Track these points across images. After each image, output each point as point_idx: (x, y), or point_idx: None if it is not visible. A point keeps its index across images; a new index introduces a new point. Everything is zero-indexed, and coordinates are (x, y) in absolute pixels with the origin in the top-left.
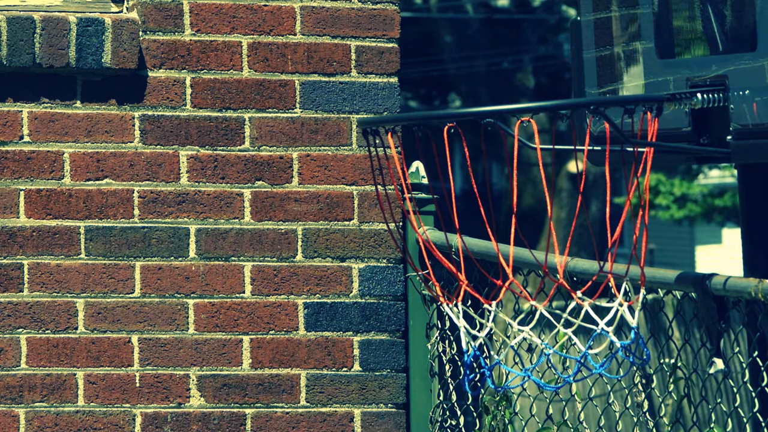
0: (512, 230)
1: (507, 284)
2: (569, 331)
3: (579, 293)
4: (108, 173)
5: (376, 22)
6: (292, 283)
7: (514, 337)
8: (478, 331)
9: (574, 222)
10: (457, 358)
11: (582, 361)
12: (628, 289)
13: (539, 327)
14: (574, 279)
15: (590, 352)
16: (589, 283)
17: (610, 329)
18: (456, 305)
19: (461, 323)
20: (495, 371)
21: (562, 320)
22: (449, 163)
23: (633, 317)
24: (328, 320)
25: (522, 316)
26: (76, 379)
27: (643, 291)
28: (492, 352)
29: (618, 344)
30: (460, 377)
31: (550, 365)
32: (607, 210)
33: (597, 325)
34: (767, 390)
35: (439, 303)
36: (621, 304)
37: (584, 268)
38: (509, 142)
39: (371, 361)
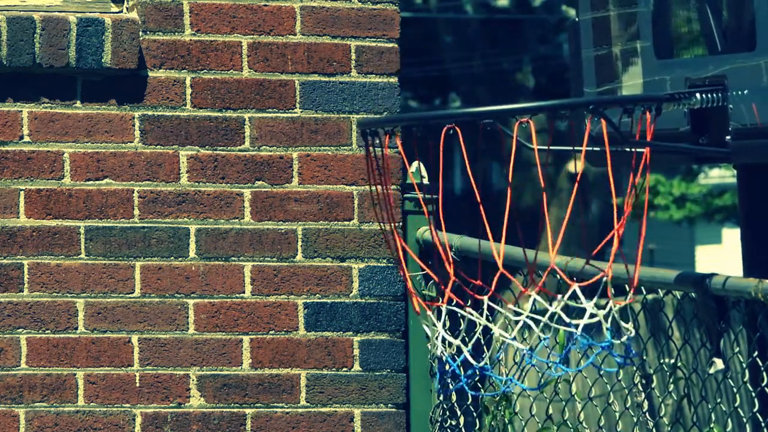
0: (503, 230)
1: (493, 287)
2: (538, 328)
3: (563, 294)
4: (108, 173)
5: (376, 22)
6: (292, 283)
7: (512, 336)
8: (469, 332)
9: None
10: (456, 358)
11: (559, 360)
12: (609, 287)
13: (538, 327)
14: (574, 279)
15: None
16: (590, 281)
17: (570, 326)
18: (438, 309)
19: (439, 327)
20: (495, 371)
21: (575, 316)
22: (442, 164)
23: (625, 320)
24: (328, 320)
25: (531, 318)
26: (76, 379)
27: (632, 292)
28: (487, 354)
29: (592, 345)
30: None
31: (533, 365)
32: (607, 210)
33: (598, 323)
34: (767, 390)
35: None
36: (602, 307)
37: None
38: (508, 142)
39: (371, 361)
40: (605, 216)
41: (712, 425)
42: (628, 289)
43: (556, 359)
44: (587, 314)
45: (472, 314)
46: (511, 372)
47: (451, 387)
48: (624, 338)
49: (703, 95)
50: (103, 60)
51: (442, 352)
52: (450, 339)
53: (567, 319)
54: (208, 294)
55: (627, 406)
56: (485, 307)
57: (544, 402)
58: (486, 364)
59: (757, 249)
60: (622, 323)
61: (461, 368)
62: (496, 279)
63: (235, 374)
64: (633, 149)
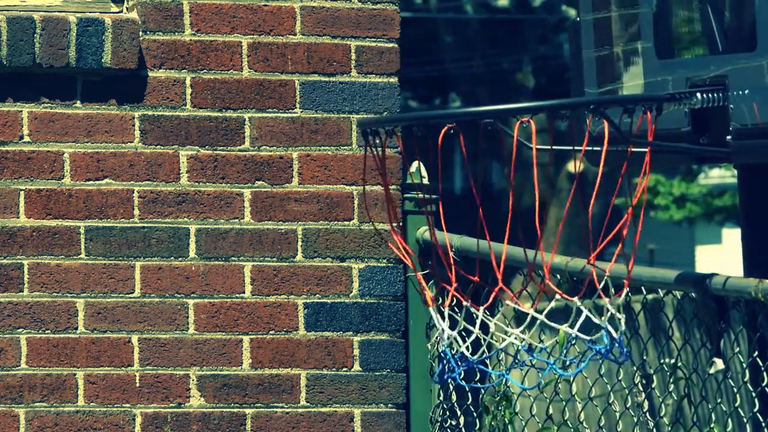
0: (506, 230)
1: (497, 287)
2: (523, 335)
3: (556, 293)
4: (108, 173)
5: (376, 22)
6: (292, 283)
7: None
8: (471, 331)
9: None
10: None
11: (554, 362)
12: (610, 287)
13: (538, 327)
14: (574, 279)
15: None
16: (586, 282)
17: (568, 329)
18: (441, 307)
19: (445, 326)
20: (495, 370)
21: (569, 320)
22: (440, 164)
23: (617, 316)
24: (328, 320)
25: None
26: (76, 379)
27: (626, 290)
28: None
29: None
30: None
31: (533, 365)
32: (589, 209)
33: (595, 323)
34: (767, 390)
35: (439, 303)
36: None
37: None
38: (509, 142)
39: (371, 361)
40: (604, 216)
41: (712, 425)
42: (626, 288)
43: (554, 358)
44: (582, 315)
45: (471, 314)
46: (508, 369)
47: (450, 385)
48: (616, 334)
49: (704, 95)
50: (103, 60)
51: (443, 349)
52: (448, 331)
53: (552, 324)
54: (208, 294)
55: (627, 406)
56: (481, 310)
57: (544, 402)
58: (483, 355)
59: (757, 249)
60: (619, 315)
61: (459, 364)
62: (497, 289)
63: (235, 374)
64: (633, 149)
